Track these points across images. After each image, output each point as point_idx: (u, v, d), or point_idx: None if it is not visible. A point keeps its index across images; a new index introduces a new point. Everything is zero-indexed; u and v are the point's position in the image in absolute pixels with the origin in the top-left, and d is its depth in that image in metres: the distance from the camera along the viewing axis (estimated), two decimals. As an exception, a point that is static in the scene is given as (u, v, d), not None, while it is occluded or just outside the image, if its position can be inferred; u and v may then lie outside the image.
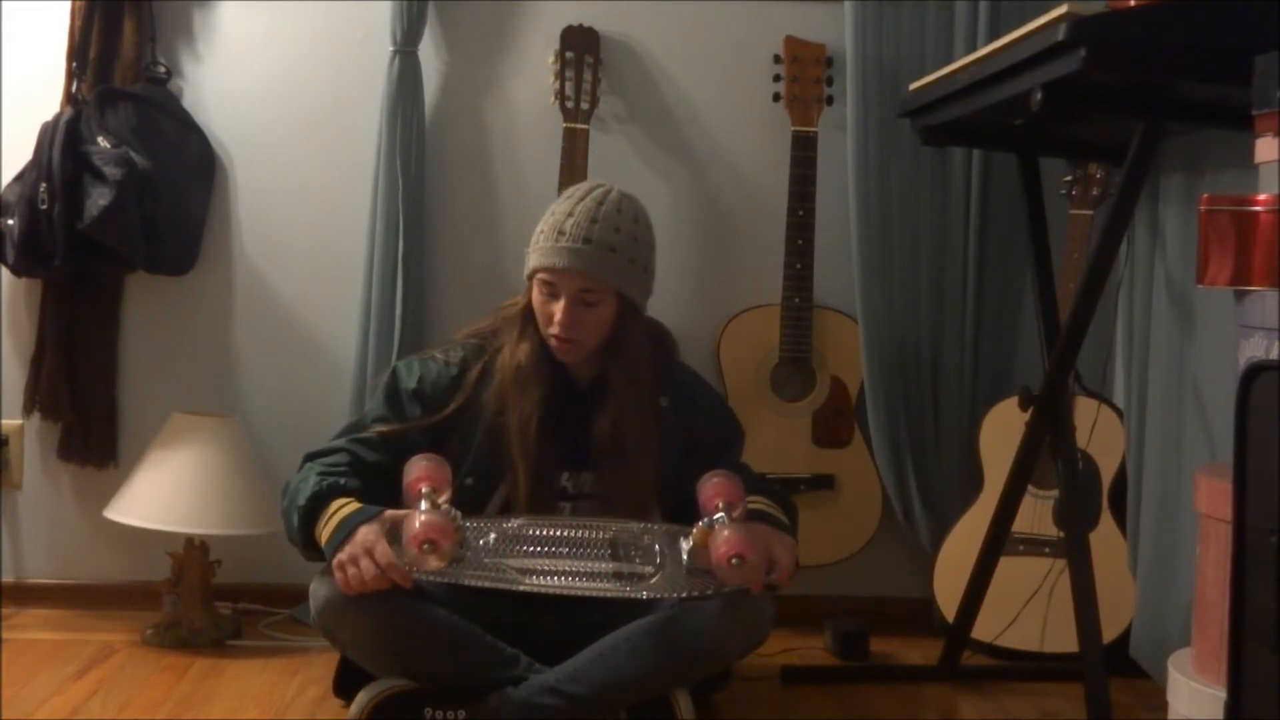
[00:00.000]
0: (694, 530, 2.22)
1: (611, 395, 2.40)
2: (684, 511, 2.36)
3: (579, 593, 2.20)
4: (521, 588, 2.20)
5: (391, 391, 2.44)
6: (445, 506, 2.18)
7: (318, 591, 2.27)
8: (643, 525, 2.32)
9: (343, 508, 2.26)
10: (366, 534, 2.19)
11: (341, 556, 2.19)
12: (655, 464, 2.42)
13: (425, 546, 2.12)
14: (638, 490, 2.41)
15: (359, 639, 2.28)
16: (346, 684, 2.39)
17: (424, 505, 2.16)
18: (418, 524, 2.13)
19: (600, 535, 2.27)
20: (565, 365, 2.43)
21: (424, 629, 2.26)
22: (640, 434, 2.40)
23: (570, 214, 2.37)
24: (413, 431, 2.39)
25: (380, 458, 2.38)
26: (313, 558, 2.33)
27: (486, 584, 2.19)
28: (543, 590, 2.20)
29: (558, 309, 2.35)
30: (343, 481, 2.32)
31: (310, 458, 2.42)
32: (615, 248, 2.35)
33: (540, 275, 2.38)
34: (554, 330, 2.37)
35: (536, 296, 2.40)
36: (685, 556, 2.23)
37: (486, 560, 2.22)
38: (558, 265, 2.34)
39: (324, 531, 2.26)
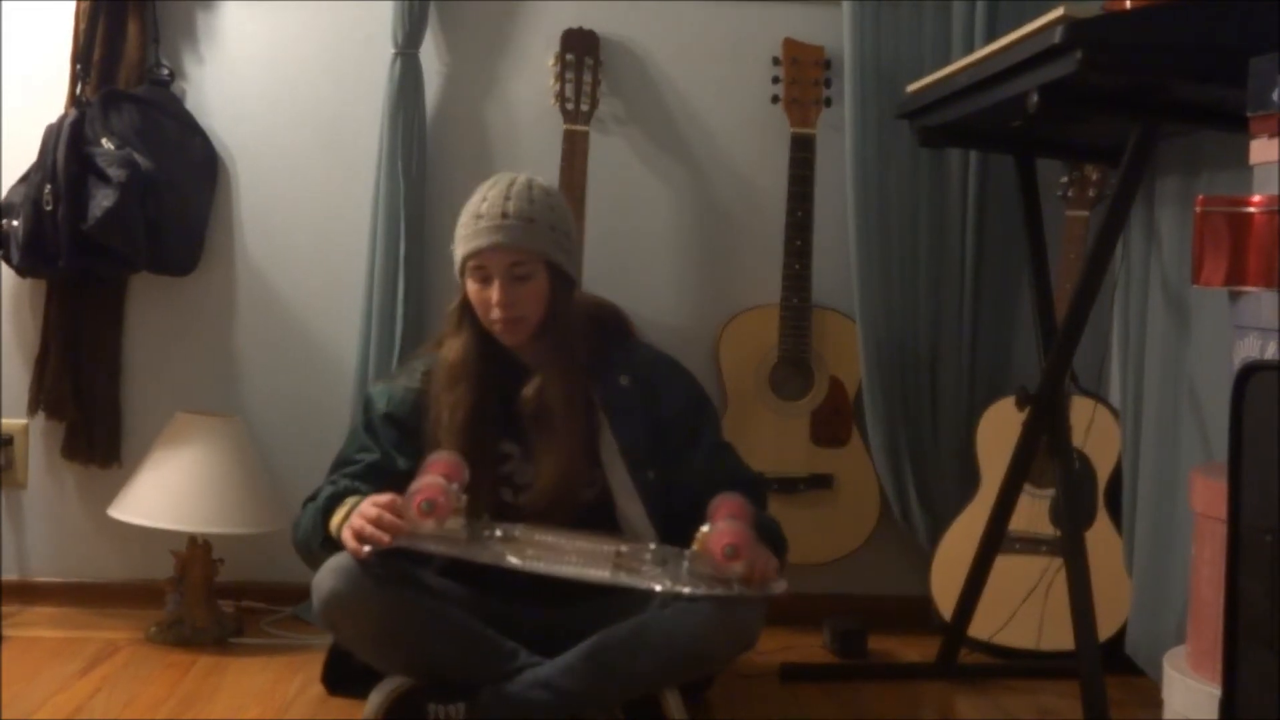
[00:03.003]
0: (695, 539, 2.27)
1: (539, 367, 2.43)
2: (671, 501, 2.43)
3: (576, 576, 2.22)
4: (517, 564, 2.23)
5: (368, 421, 2.50)
6: (454, 487, 2.24)
7: (321, 585, 2.28)
8: (648, 545, 2.35)
9: (357, 502, 2.31)
10: (367, 499, 2.27)
11: (349, 523, 2.25)
12: (583, 434, 2.42)
13: (424, 506, 2.20)
14: (566, 459, 2.40)
15: (362, 632, 2.29)
16: (335, 676, 2.44)
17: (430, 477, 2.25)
18: (420, 484, 2.22)
19: (605, 549, 2.30)
20: (513, 351, 2.45)
21: (426, 624, 2.28)
22: (567, 402, 2.40)
23: (485, 198, 2.42)
24: (395, 457, 2.44)
25: (369, 488, 2.41)
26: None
27: (486, 560, 2.23)
28: (540, 571, 2.23)
29: (493, 291, 2.38)
30: (361, 487, 2.37)
31: (307, 502, 2.47)
32: (533, 218, 2.39)
33: (470, 262, 2.41)
34: (495, 315, 2.39)
35: (471, 287, 2.43)
36: (686, 562, 2.27)
37: (489, 544, 2.27)
38: (483, 245, 2.38)
39: (337, 520, 2.31)
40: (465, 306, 2.46)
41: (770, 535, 2.40)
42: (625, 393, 2.48)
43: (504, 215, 2.37)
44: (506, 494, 2.45)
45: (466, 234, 2.41)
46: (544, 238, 2.39)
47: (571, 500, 2.41)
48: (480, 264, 2.39)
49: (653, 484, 2.47)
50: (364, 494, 2.33)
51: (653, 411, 2.49)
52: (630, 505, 2.45)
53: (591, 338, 2.49)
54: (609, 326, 2.57)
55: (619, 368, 2.50)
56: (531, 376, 2.44)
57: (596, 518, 2.41)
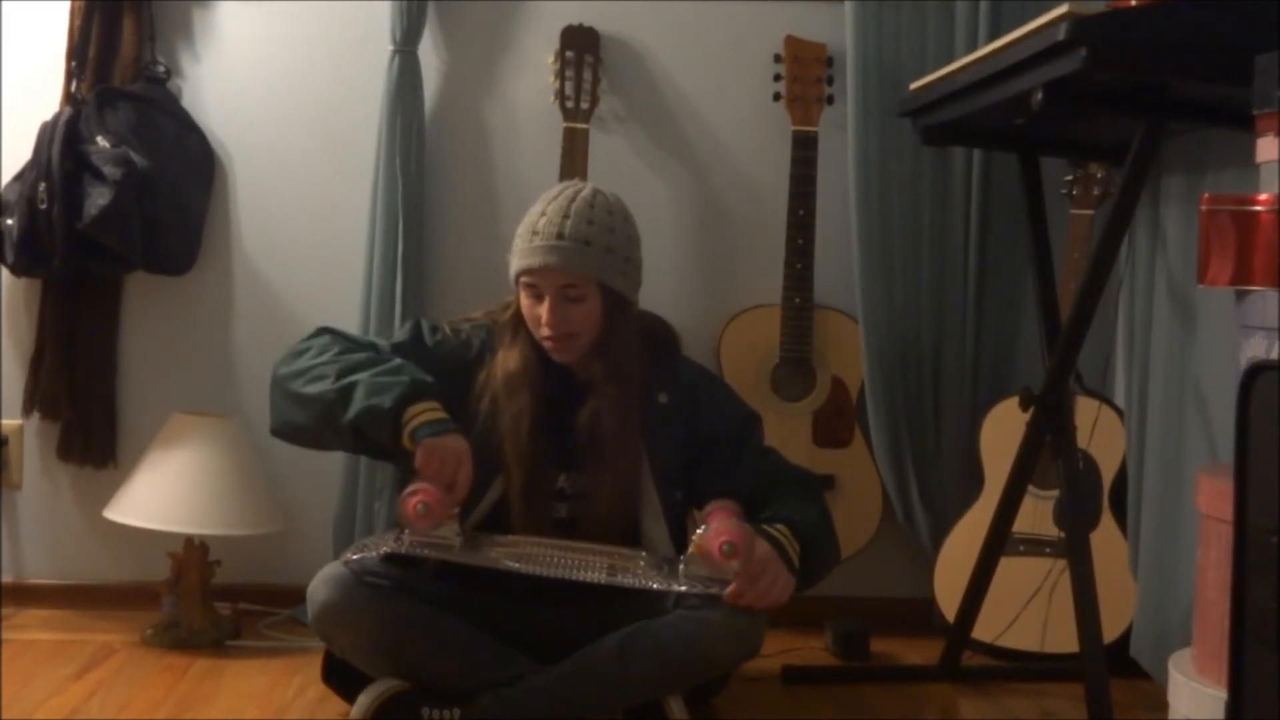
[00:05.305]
0: (691, 541, 2.27)
1: (594, 389, 2.42)
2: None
3: (570, 576, 2.22)
4: (514, 566, 2.23)
5: (415, 333, 2.49)
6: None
7: (315, 596, 2.28)
8: (641, 552, 2.36)
9: (437, 410, 2.27)
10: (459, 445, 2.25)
11: (435, 442, 2.23)
12: (638, 459, 2.42)
13: (419, 508, 2.20)
14: (618, 484, 2.41)
15: (357, 643, 2.29)
16: (334, 672, 2.41)
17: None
18: (415, 487, 2.22)
19: (599, 558, 2.30)
20: (565, 365, 2.44)
21: (422, 634, 2.27)
22: (621, 428, 2.40)
23: (543, 213, 2.39)
24: (431, 367, 2.40)
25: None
26: (329, 442, 2.38)
27: (481, 564, 2.23)
28: (535, 573, 2.22)
29: (544, 309, 2.37)
30: (419, 372, 2.32)
31: (329, 330, 2.44)
32: (590, 240, 2.37)
33: (523, 278, 2.41)
34: (544, 331, 2.39)
35: (524, 300, 2.43)
36: (682, 565, 2.27)
37: (482, 549, 2.27)
38: (535, 265, 2.37)
39: (421, 416, 2.25)
40: (518, 317, 2.45)
41: (820, 540, 2.40)
42: (662, 410, 2.48)
43: (560, 236, 2.35)
44: (561, 508, 2.45)
45: (522, 248, 2.40)
46: (599, 261, 2.37)
47: (620, 526, 2.41)
48: (532, 281, 2.39)
49: (679, 504, 2.47)
50: (436, 394, 2.29)
51: (692, 430, 2.49)
52: (654, 524, 2.44)
53: (649, 356, 2.49)
54: (658, 344, 2.55)
55: (658, 384, 2.49)
56: (583, 390, 2.43)
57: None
